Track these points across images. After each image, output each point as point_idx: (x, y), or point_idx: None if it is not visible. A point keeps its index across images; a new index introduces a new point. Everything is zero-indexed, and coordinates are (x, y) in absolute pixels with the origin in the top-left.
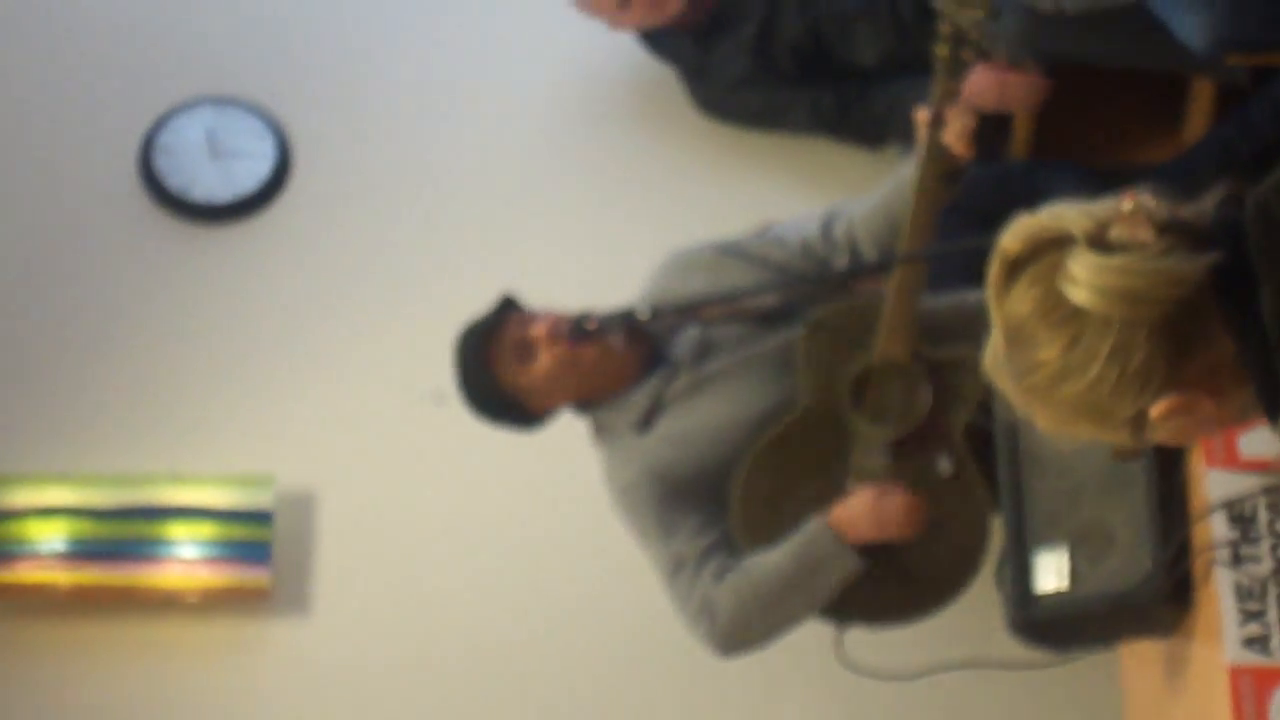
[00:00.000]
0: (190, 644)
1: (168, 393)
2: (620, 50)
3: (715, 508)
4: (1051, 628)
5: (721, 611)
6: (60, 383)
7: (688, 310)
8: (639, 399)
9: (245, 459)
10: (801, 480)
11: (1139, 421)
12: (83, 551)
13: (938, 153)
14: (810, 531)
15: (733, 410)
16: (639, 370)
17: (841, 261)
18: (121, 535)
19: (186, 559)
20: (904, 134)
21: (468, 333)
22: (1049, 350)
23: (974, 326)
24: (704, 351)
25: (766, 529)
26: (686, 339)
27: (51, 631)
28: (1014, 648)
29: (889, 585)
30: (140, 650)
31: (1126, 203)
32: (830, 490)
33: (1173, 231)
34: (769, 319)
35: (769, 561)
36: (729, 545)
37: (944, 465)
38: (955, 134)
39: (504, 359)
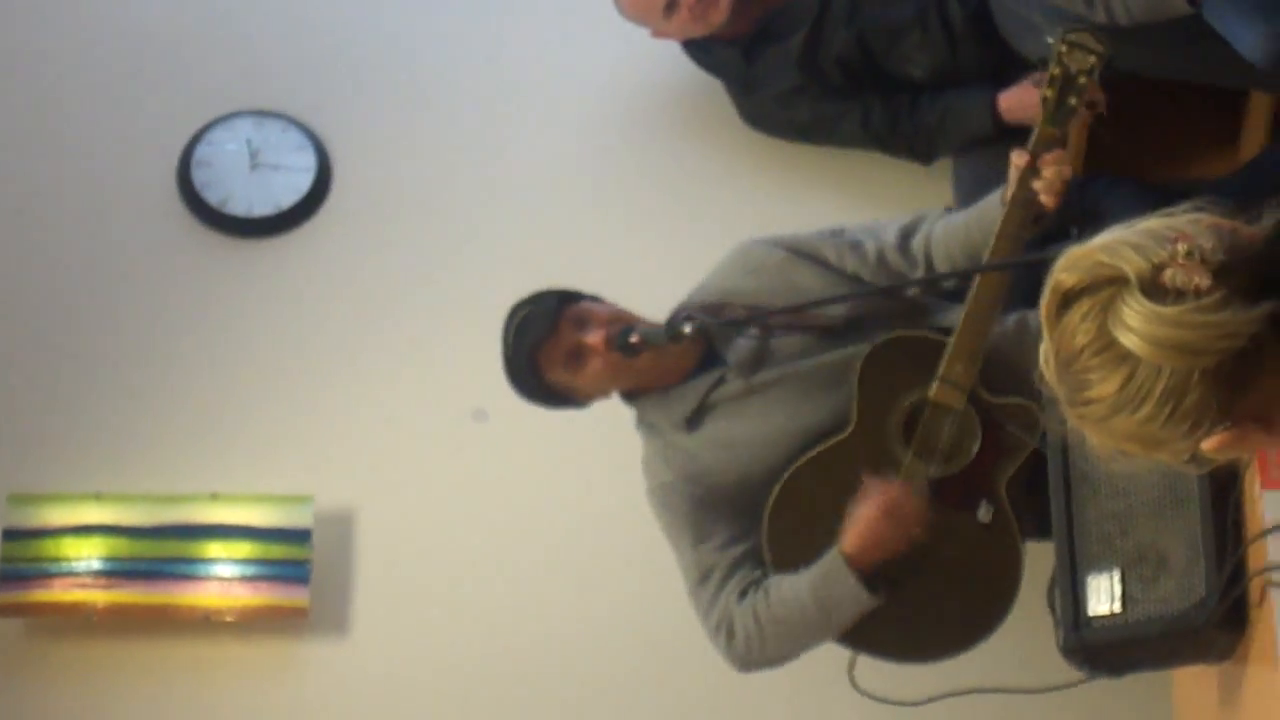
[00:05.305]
0: (228, 664)
1: (205, 410)
2: (667, 61)
3: (749, 520)
4: (1103, 651)
5: (739, 631)
6: (96, 400)
7: (736, 323)
8: (688, 396)
9: (284, 478)
10: (836, 503)
11: (1191, 452)
12: (119, 570)
13: (1028, 198)
14: (827, 566)
15: (782, 422)
16: (692, 367)
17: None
18: (159, 554)
19: (224, 578)
20: (953, 147)
21: (519, 329)
22: (1102, 388)
23: (1032, 357)
24: (760, 358)
25: (795, 549)
26: (744, 343)
27: (87, 651)
28: (1026, 673)
29: (913, 625)
30: (177, 670)
31: (1182, 245)
32: None
33: (1228, 275)
34: (832, 333)
35: (789, 591)
36: (757, 559)
37: (983, 511)
38: (1047, 184)
39: (554, 363)
